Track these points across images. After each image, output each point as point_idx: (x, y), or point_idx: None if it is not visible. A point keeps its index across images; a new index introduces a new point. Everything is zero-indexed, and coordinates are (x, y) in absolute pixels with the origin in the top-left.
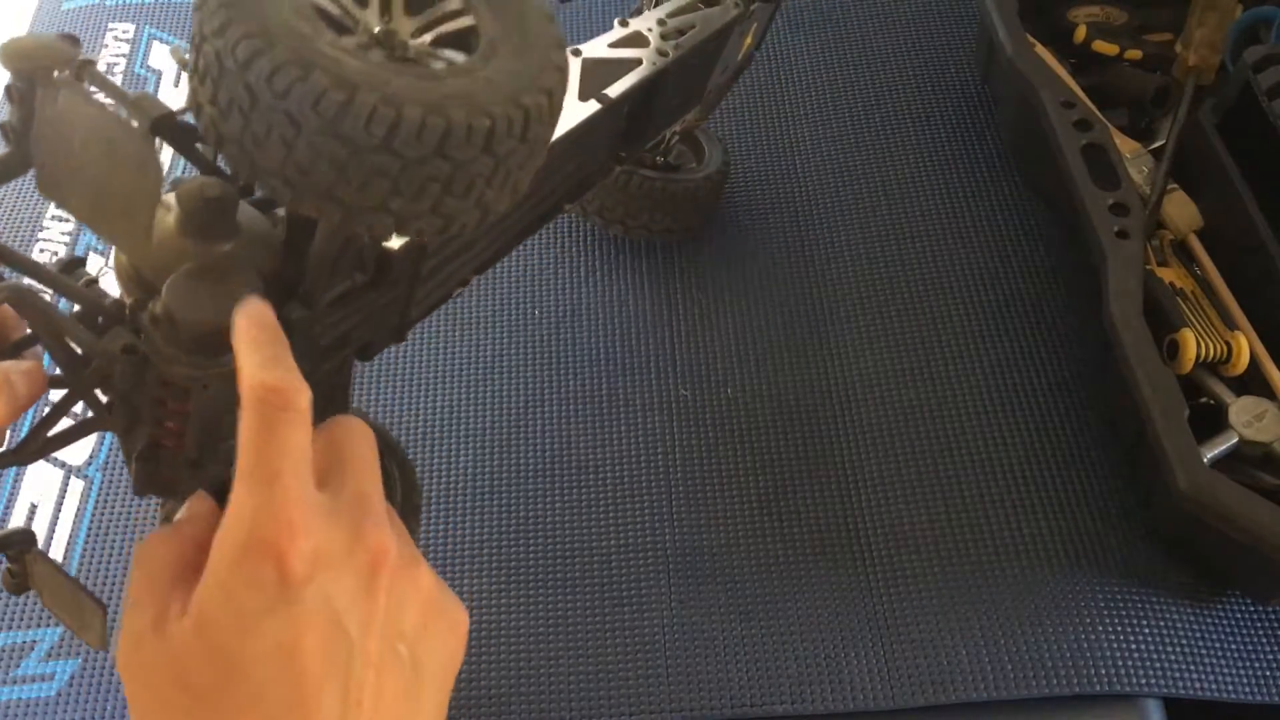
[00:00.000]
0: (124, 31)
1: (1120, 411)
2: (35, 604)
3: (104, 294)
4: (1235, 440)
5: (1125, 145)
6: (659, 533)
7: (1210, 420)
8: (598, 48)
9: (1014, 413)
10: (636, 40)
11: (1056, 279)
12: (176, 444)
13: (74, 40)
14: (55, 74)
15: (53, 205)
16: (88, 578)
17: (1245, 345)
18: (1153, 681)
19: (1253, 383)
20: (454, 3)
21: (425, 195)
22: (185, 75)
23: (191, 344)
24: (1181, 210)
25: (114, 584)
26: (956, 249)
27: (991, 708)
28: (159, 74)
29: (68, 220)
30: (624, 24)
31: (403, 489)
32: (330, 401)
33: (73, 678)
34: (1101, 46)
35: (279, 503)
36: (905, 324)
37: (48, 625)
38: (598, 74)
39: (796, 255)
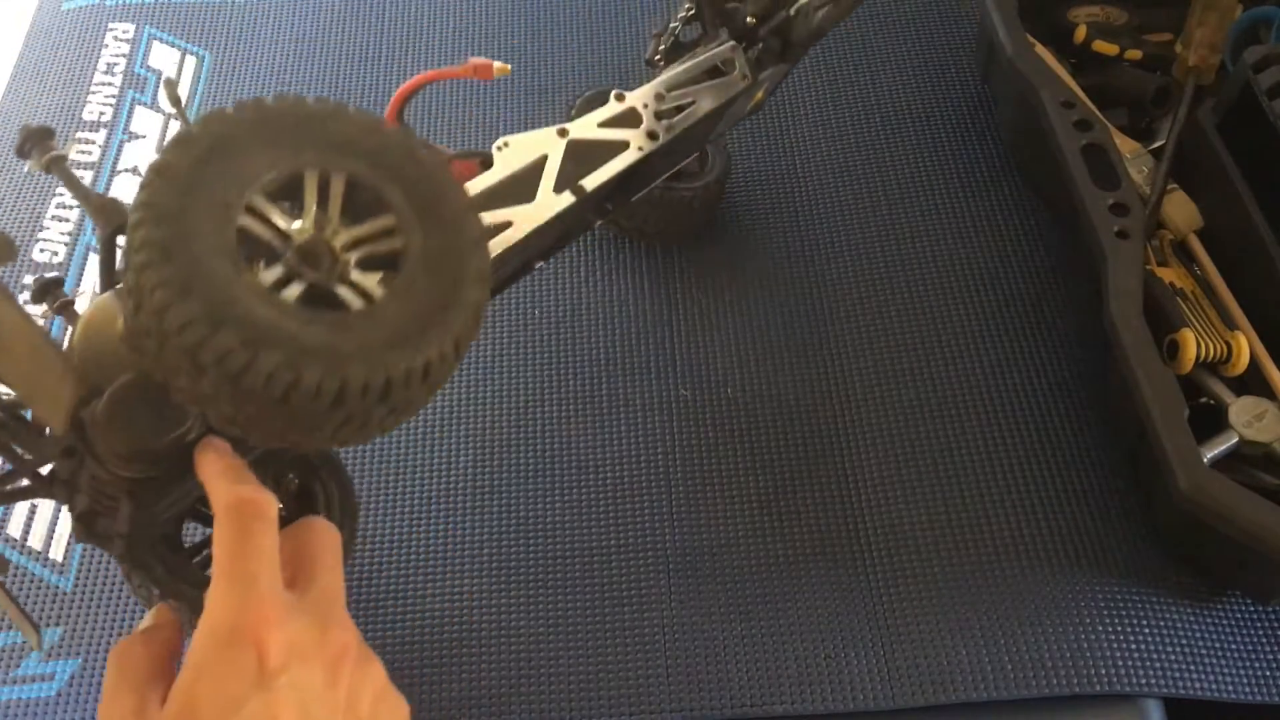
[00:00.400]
0: (124, 31)
1: (1120, 411)
2: (35, 604)
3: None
4: (1235, 440)
5: (1125, 145)
6: (659, 533)
7: (1210, 420)
8: (586, 128)
9: (1014, 413)
10: (629, 119)
11: (1056, 279)
12: (110, 512)
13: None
14: None
15: (53, 205)
16: (86, 580)
17: (1245, 345)
18: (1153, 681)
19: (1253, 383)
20: (387, 219)
21: (322, 431)
22: (183, 77)
23: (127, 454)
24: (1181, 210)
25: (113, 585)
26: (956, 249)
27: (991, 708)
28: (159, 74)
29: (67, 220)
30: (620, 98)
31: (339, 497)
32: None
33: (73, 678)
34: (1101, 46)
35: (256, 599)
36: (905, 324)
37: (48, 625)
38: (582, 157)
39: (796, 255)
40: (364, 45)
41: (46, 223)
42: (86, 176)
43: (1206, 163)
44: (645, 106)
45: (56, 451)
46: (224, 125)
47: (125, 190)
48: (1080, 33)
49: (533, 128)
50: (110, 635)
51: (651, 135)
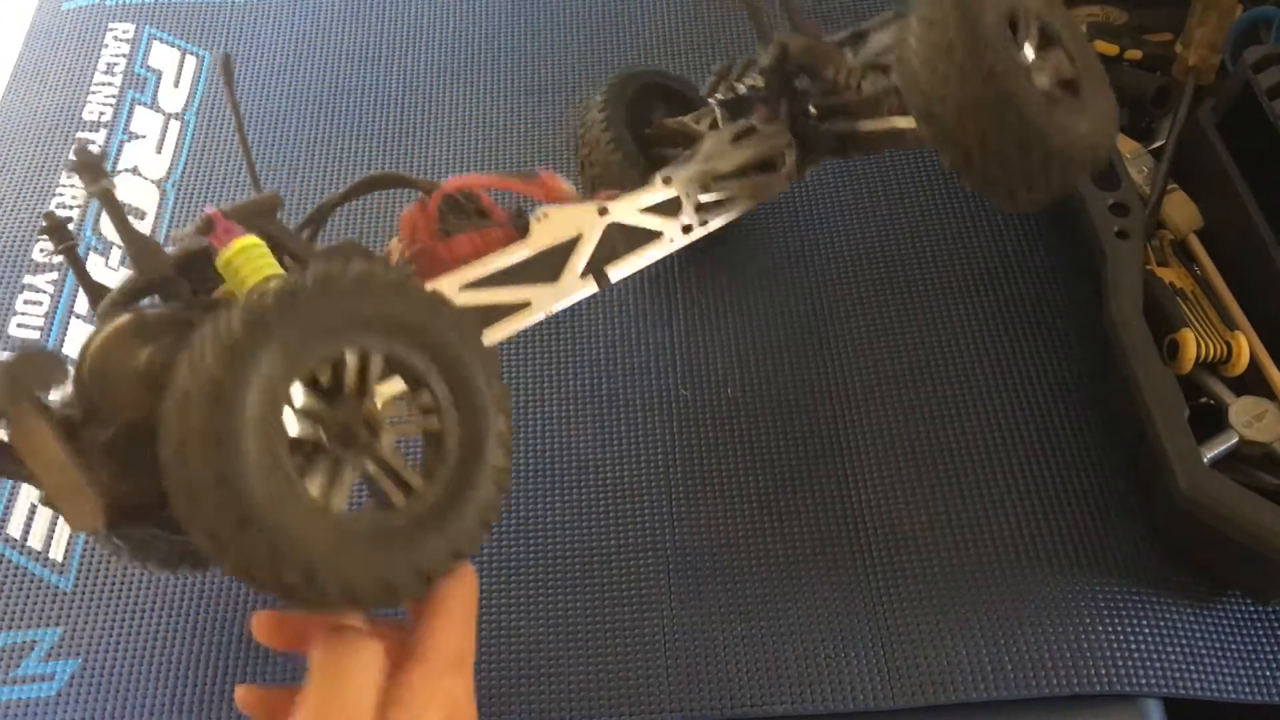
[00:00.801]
0: (124, 31)
1: (1120, 411)
2: (35, 604)
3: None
4: (1235, 440)
5: (1125, 145)
6: (659, 533)
7: (1210, 420)
8: (627, 211)
9: (1014, 413)
10: (669, 209)
11: (1056, 279)
12: None
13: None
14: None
15: (52, 205)
16: (87, 577)
17: (1245, 345)
18: (1153, 681)
19: (1253, 383)
20: (427, 397)
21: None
22: (183, 77)
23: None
24: (1181, 210)
25: (113, 583)
26: (956, 249)
27: (991, 708)
28: (159, 74)
29: (66, 221)
30: (667, 182)
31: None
32: None
33: (73, 678)
34: (1101, 46)
35: None
36: (905, 324)
37: (48, 625)
38: (615, 240)
39: (796, 255)
40: (364, 45)
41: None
42: None
43: (1206, 163)
44: (688, 196)
45: None
46: (262, 326)
47: (125, 190)
48: None
49: (532, 127)
50: (110, 635)
51: (686, 229)
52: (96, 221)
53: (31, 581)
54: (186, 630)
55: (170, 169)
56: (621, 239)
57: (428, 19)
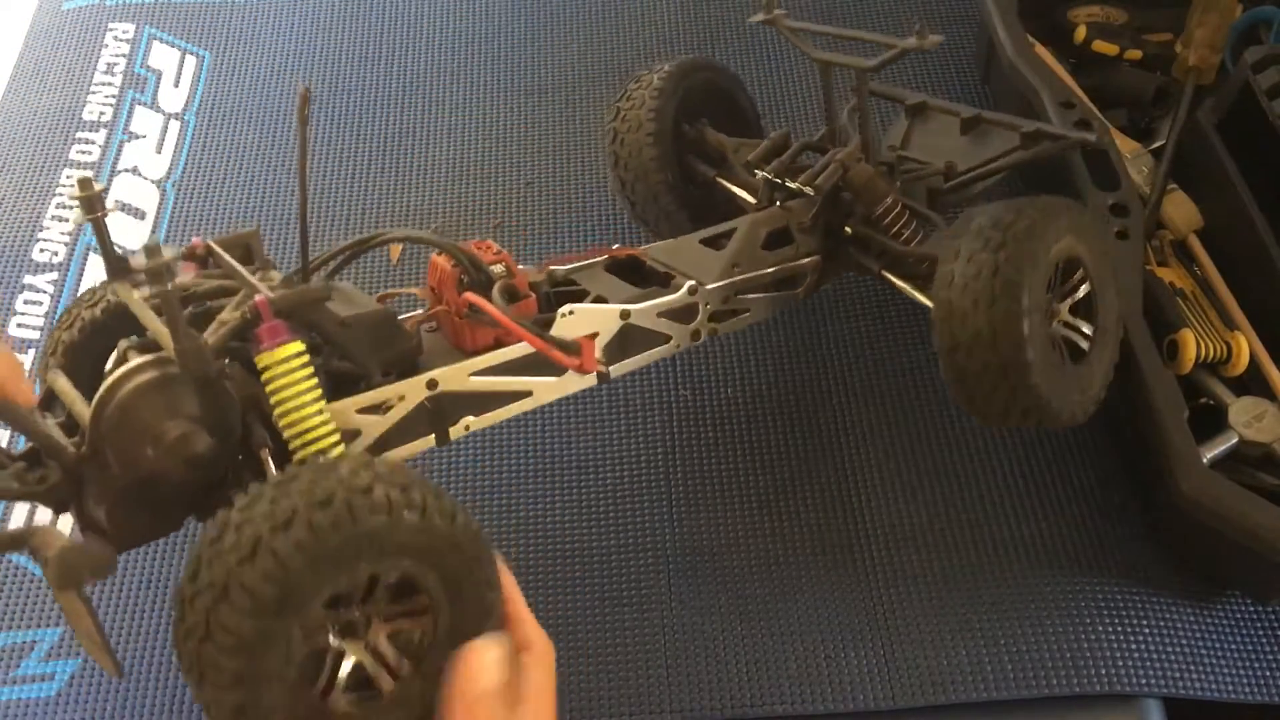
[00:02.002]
0: (124, 31)
1: (1120, 411)
2: (35, 604)
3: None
4: (1235, 440)
5: (1125, 145)
6: (659, 533)
7: (1210, 420)
8: (646, 316)
9: None
10: (686, 316)
11: None
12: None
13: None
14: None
15: (52, 205)
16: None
17: (1245, 345)
18: (1153, 681)
19: (1253, 383)
20: (422, 601)
21: None
22: (183, 77)
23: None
24: (1181, 210)
25: (113, 585)
26: None
27: (991, 708)
28: (159, 74)
29: (66, 221)
30: (693, 292)
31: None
32: None
33: (73, 678)
34: (1101, 46)
35: None
36: (905, 324)
37: (48, 625)
38: (627, 339)
39: None
40: (364, 45)
41: (46, 223)
42: None
43: (1206, 163)
44: (706, 305)
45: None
46: (286, 573)
47: (124, 190)
48: (1080, 33)
49: (532, 127)
50: (110, 635)
51: (695, 335)
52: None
53: (31, 581)
54: None
55: (170, 169)
56: (633, 339)
57: (428, 19)
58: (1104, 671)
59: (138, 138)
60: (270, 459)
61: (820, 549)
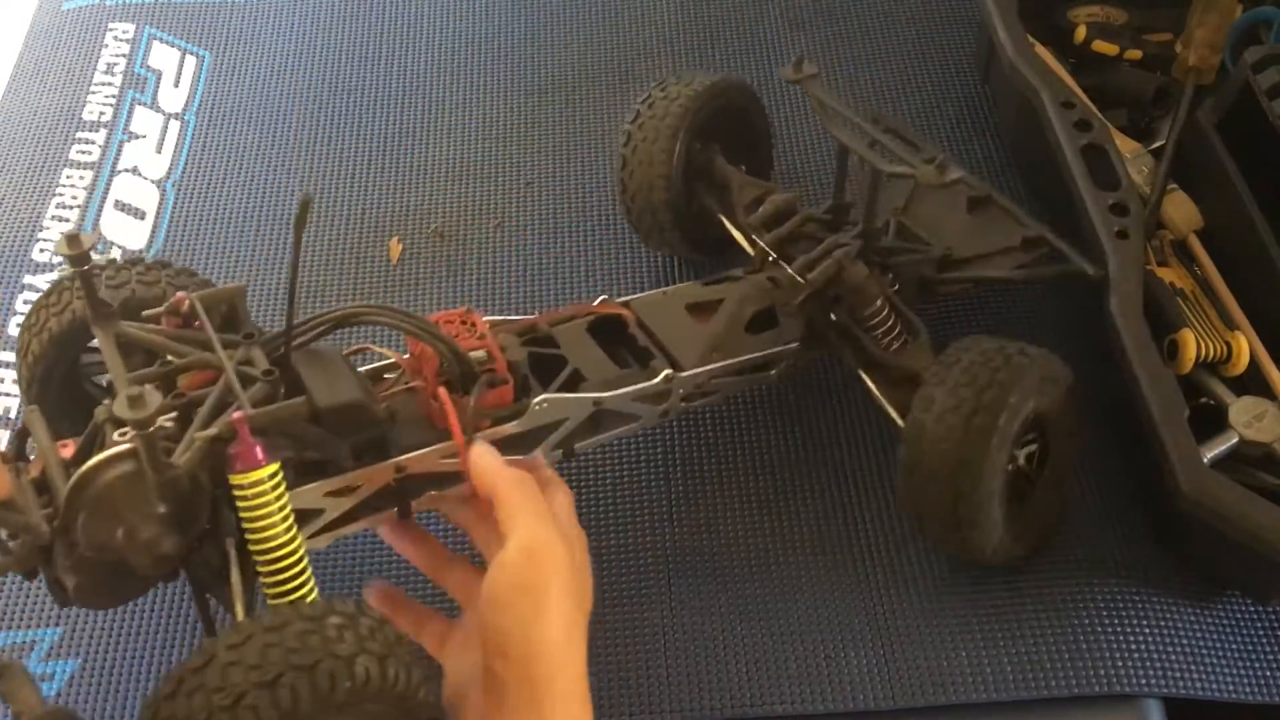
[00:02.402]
0: (124, 31)
1: (1120, 412)
2: (35, 604)
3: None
4: (1235, 440)
5: (1125, 145)
6: (659, 533)
7: (1210, 420)
8: (620, 400)
9: None
10: (658, 398)
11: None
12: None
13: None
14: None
15: (52, 205)
16: None
17: (1245, 345)
18: (1153, 681)
19: (1253, 383)
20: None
21: None
22: (183, 77)
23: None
24: (1181, 210)
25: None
26: None
27: (991, 708)
28: (159, 74)
29: (66, 221)
30: (668, 379)
31: None
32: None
33: (73, 678)
34: (1101, 46)
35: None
36: None
37: (48, 625)
38: (598, 419)
39: None
40: (364, 45)
41: (46, 223)
42: (86, 176)
43: (1206, 163)
44: (680, 391)
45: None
46: None
47: (124, 190)
48: (1080, 33)
49: (532, 127)
50: (110, 635)
51: (664, 414)
52: (96, 222)
53: (31, 581)
54: (186, 630)
55: (170, 169)
56: (604, 419)
57: (428, 19)
58: (1104, 671)
59: (138, 137)
60: (234, 550)
61: (820, 549)
